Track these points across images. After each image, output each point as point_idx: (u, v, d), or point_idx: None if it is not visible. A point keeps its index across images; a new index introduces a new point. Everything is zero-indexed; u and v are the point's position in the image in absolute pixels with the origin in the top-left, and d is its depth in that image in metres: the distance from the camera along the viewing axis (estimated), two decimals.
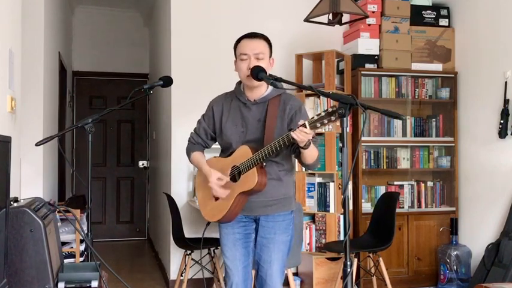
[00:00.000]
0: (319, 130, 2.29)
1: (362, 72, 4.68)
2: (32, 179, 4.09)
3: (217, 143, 2.70)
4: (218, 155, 2.67)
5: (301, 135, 2.16)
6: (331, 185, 4.33)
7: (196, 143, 2.66)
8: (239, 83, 2.61)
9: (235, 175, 2.46)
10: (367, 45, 4.72)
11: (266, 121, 2.46)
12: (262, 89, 2.52)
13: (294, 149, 2.42)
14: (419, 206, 4.81)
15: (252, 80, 2.42)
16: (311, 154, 2.35)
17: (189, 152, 2.68)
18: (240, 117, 2.52)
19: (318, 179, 4.42)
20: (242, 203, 2.46)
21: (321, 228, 4.35)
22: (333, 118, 2.04)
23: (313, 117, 2.12)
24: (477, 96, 4.64)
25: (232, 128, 2.52)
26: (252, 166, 2.36)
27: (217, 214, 2.51)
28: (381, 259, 3.85)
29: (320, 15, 3.86)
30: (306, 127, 2.13)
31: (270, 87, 2.51)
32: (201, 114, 2.70)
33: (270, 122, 2.45)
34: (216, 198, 2.51)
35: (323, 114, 2.06)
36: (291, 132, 2.19)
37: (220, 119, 2.57)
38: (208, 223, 2.67)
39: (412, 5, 4.86)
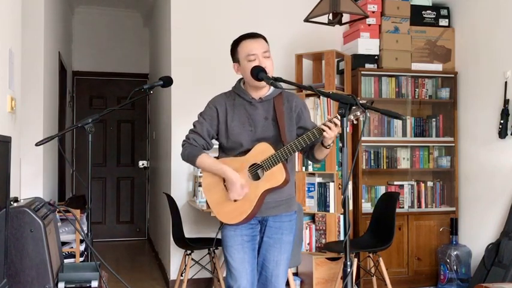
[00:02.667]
0: None
1: (362, 72, 4.68)
2: (32, 179, 4.08)
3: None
4: (217, 157, 2.65)
5: (332, 127, 2.24)
6: (331, 185, 4.33)
7: (198, 145, 2.51)
8: (239, 81, 2.58)
9: (251, 173, 2.42)
10: (367, 45, 4.72)
11: (278, 119, 2.46)
12: (266, 88, 2.51)
13: (311, 146, 2.46)
14: (419, 206, 4.81)
15: (257, 81, 2.40)
16: (328, 152, 2.43)
17: (193, 155, 2.48)
18: (246, 116, 2.49)
19: (318, 179, 4.42)
20: (262, 202, 2.44)
21: (321, 228, 4.35)
22: (358, 113, 2.08)
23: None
24: (477, 96, 4.64)
25: (240, 127, 2.48)
26: (276, 162, 2.35)
27: (238, 215, 2.44)
28: (381, 259, 3.85)
29: (320, 15, 3.86)
30: (339, 119, 2.16)
31: None
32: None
33: (281, 119, 2.46)
34: (235, 199, 2.46)
35: (354, 107, 2.08)
36: (322, 125, 2.26)
37: (225, 119, 2.51)
38: (222, 225, 2.61)
39: (412, 5, 4.86)
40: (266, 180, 2.39)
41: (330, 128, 2.24)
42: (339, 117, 2.13)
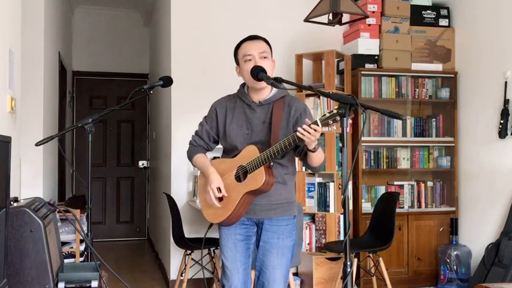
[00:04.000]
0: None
1: (362, 72, 4.68)
2: (32, 179, 4.08)
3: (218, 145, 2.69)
4: (219, 156, 2.67)
5: (306, 133, 2.15)
6: (331, 185, 4.33)
7: (198, 146, 2.62)
8: (243, 85, 2.59)
9: (241, 175, 2.43)
10: (367, 45, 4.72)
11: (272, 122, 2.44)
12: (267, 91, 2.51)
13: (301, 152, 2.43)
14: (419, 206, 4.81)
15: (257, 81, 2.40)
16: (318, 157, 2.36)
17: (191, 155, 2.62)
18: (245, 119, 2.50)
19: (318, 179, 4.42)
20: (247, 204, 2.44)
21: (321, 228, 4.35)
22: (338, 118, 2.05)
23: (324, 115, 2.12)
24: (477, 96, 4.64)
25: (237, 129, 2.50)
26: (259, 165, 2.35)
27: (220, 216, 2.46)
28: (380, 259, 3.85)
29: (320, 15, 3.86)
30: (317, 125, 2.13)
31: (274, 89, 2.50)
32: (202, 116, 2.67)
33: (275, 123, 2.44)
34: (220, 199, 2.47)
35: (334, 111, 2.05)
36: (297, 131, 2.18)
37: (224, 121, 2.55)
38: (211, 225, 2.64)
39: (412, 5, 4.86)
40: (247, 183, 2.40)
41: (308, 133, 2.16)
42: (319, 122, 2.13)
